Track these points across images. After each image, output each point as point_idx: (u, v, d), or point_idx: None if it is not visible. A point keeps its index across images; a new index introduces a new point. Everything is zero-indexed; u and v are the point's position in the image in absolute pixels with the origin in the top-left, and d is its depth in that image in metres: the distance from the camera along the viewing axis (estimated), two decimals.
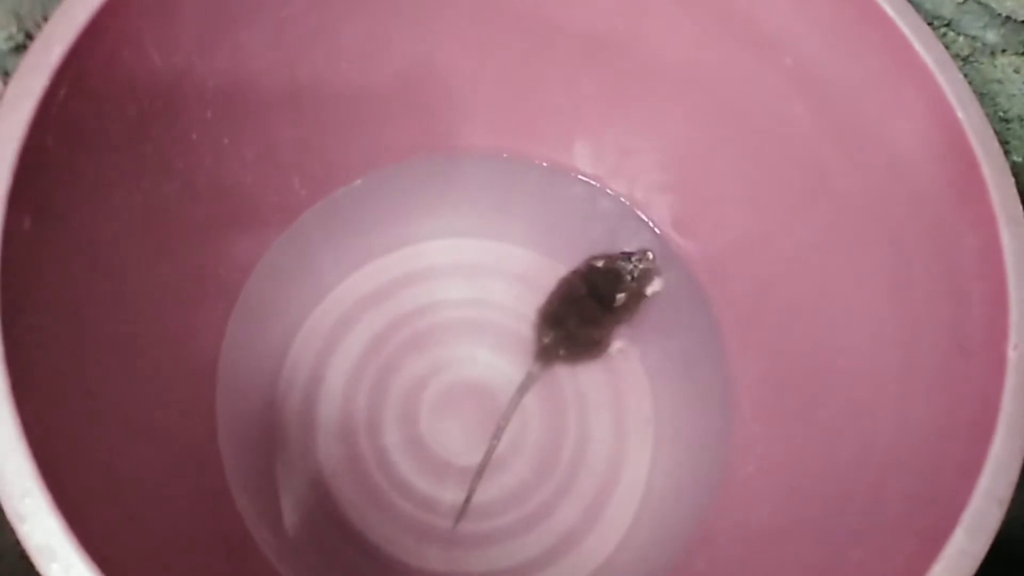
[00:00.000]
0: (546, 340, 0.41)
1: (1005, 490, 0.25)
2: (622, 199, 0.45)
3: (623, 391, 0.42)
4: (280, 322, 0.41)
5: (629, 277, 0.41)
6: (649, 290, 0.43)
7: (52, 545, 0.22)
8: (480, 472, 0.39)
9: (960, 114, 0.28)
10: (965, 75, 0.29)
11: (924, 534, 0.25)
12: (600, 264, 0.42)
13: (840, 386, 0.34)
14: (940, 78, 0.29)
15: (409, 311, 0.42)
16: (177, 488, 0.33)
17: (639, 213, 0.44)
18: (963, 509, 0.24)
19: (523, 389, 0.41)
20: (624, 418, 0.41)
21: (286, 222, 0.42)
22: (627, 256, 0.42)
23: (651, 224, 0.44)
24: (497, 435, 0.40)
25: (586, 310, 0.41)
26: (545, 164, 0.45)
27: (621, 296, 0.41)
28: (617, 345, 0.42)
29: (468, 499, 0.39)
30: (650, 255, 0.42)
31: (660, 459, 0.40)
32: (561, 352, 0.41)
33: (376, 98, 0.39)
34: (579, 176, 0.45)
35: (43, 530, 0.22)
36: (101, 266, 0.30)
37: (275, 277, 0.41)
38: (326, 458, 0.39)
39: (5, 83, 0.25)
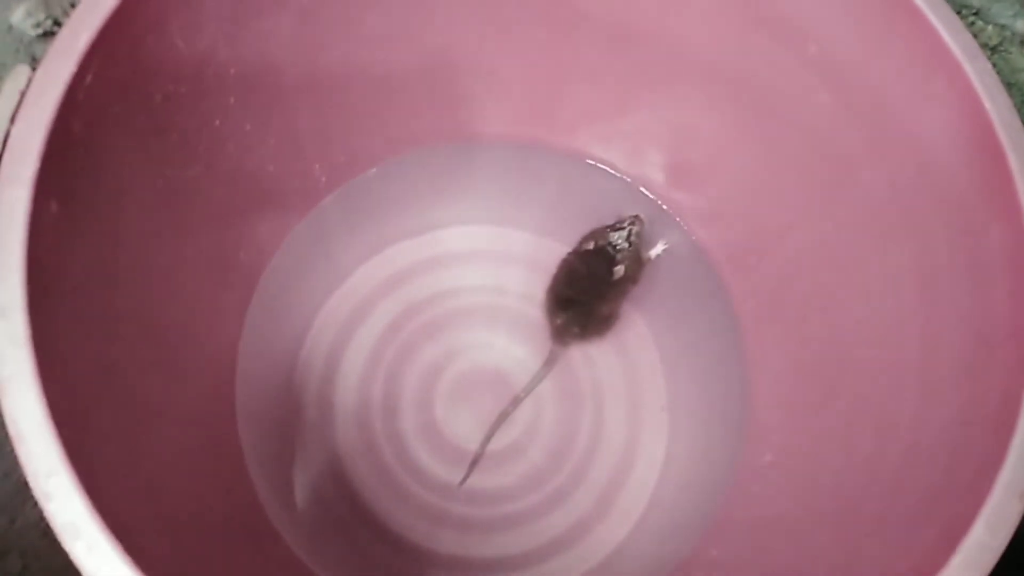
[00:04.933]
0: (558, 321, 0.41)
1: None
2: (641, 188, 0.44)
3: (639, 379, 0.42)
4: (299, 307, 0.41)
5: (627, 244, 0.41)
6: (651, 253, 0.42)
7: (77, 524, 0.22)
8: (490, 434, 0.40)
9: (988, 104, 0.27)
10: (993, 64, 0.28)
11: (943, 528, 0.25)
12: (592, 245, 0.41)
13: (859, 378, 0.34)
14: (968, 68, 0.28)
15: (426, 297, 0.43)
16: (197, 469, 0.34)
17: (659, 202, 0.44)
18: (983, 503, 0.24)
19: (549, 364, 0.41)
20: (639, 406, 0.41)
21: (306, 208, 0.42)
22: (616, 227, 0.41)
23: (672, 214, 0.44)
24: (515, 403, 0.40)
25: (590, 287, 0.41)
26: (565, 153, 0.44)
27: (619, 268, 0.41)
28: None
29: (475, 461, 0.39)
30: (641, 216, 0.42)
31: (675, 447, 0.40)
32: (575, 330, 0.41)
33: (397, 86, 0.39)
34: (599, 165, 0.44)
35: (69, 509, 0.22)
36: (125, 249, 0.30)
37: (295, 262, 0.41)
38: (342, 442, 0.40)
39: (34, 69, 0.26)
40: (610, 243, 0.41)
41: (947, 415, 0.28)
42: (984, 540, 0.24)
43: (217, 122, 0.32)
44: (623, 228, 0.41)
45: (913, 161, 0.31)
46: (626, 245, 0.41)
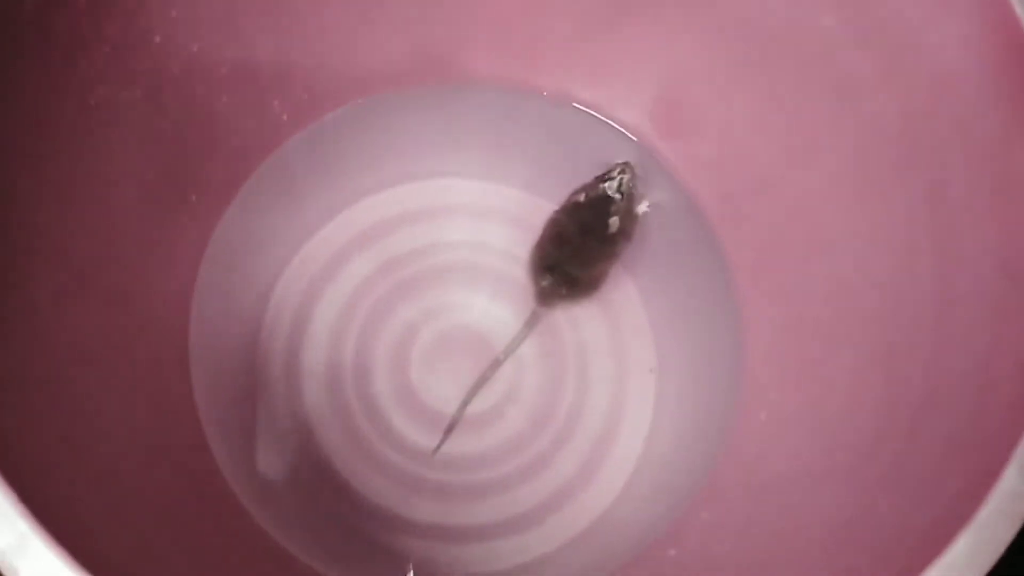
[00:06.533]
0: (544, 283, 0.39)
1: None
2: (630, 134, 0.42)
3: (625, 337, 0.39)
4: (261, 262, 0.39)
5: (619, 196, 0.39)
6: (639, 208, 0.40)
7: None
8: (468, 398, 0.38)
9: (1019, 11, 0.25)
10: None
11: (969, 475, 0.23)
12: (582, 198, 0.39)
13: (868, 325, 0.31)
14: None
15: (402, 253, 0.40)
16: (148, 445, 0.31)
17: (649, 149, 0.41)
18: (1015, 445, 0.22)
19: (530, 324, 0.39)
20: (626, 365, 0.39)
21: (267, 150, 0.39)
22: (606, 177, 0.39)
23: (662, 160, 0.41)
24: (495, 366, 0.38)
25: (582, 249, 0.39)
26: (548, 95, 0.41)
27: (614, 221, 0.39)
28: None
29: (452, 426, 0.37)
30: (630, 162, 0.39)
31: (663, 409, 0.38)
32: (563, 291, 0.39)
33: (365, 15, 0.36)
34: (584, 108, 0.42)
35: None
36: (50, 187, 0.27)
37: (255, 211, 0.38)
38: (311, 408, 0.37)
39: None
40: (601, 195, 0.39)
41: (970, 357, 0.26)
42: (1017, 487, 0.21)
43: (157, 39, 0.29)
44: (613, 178, 0.39)
45: (927, 80, 0.28)
46: (618, 196, 0.39)
